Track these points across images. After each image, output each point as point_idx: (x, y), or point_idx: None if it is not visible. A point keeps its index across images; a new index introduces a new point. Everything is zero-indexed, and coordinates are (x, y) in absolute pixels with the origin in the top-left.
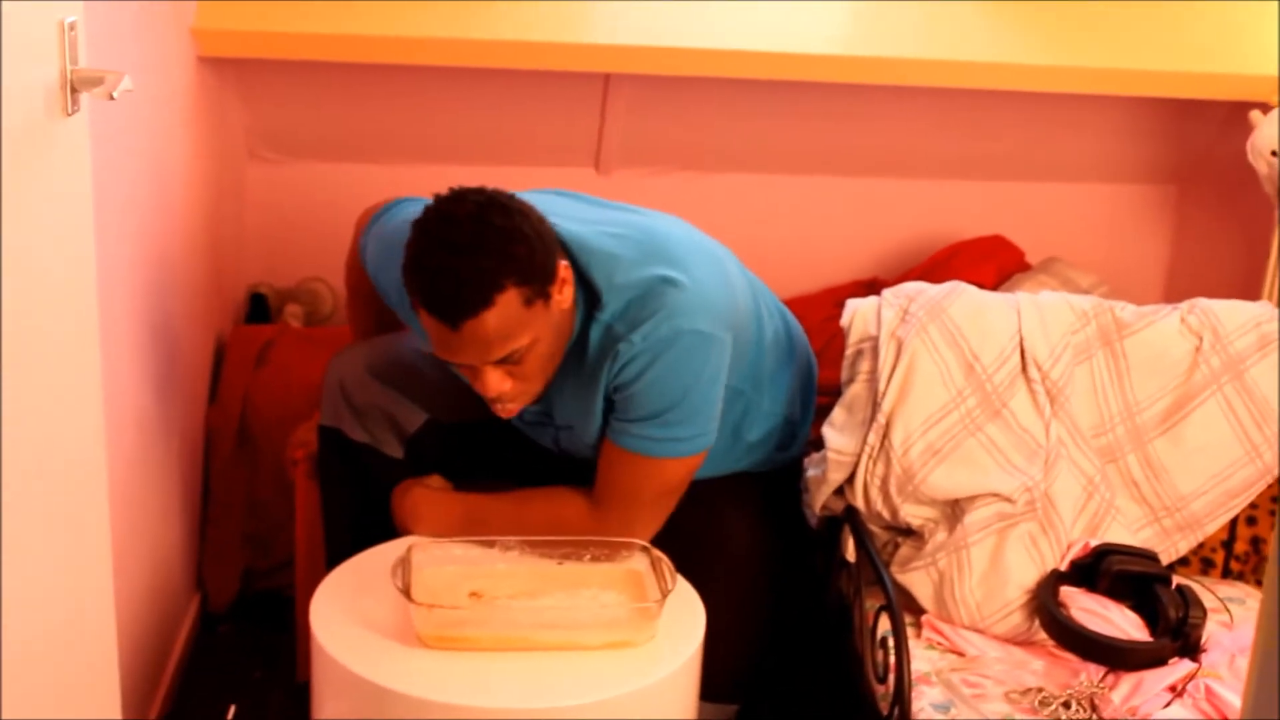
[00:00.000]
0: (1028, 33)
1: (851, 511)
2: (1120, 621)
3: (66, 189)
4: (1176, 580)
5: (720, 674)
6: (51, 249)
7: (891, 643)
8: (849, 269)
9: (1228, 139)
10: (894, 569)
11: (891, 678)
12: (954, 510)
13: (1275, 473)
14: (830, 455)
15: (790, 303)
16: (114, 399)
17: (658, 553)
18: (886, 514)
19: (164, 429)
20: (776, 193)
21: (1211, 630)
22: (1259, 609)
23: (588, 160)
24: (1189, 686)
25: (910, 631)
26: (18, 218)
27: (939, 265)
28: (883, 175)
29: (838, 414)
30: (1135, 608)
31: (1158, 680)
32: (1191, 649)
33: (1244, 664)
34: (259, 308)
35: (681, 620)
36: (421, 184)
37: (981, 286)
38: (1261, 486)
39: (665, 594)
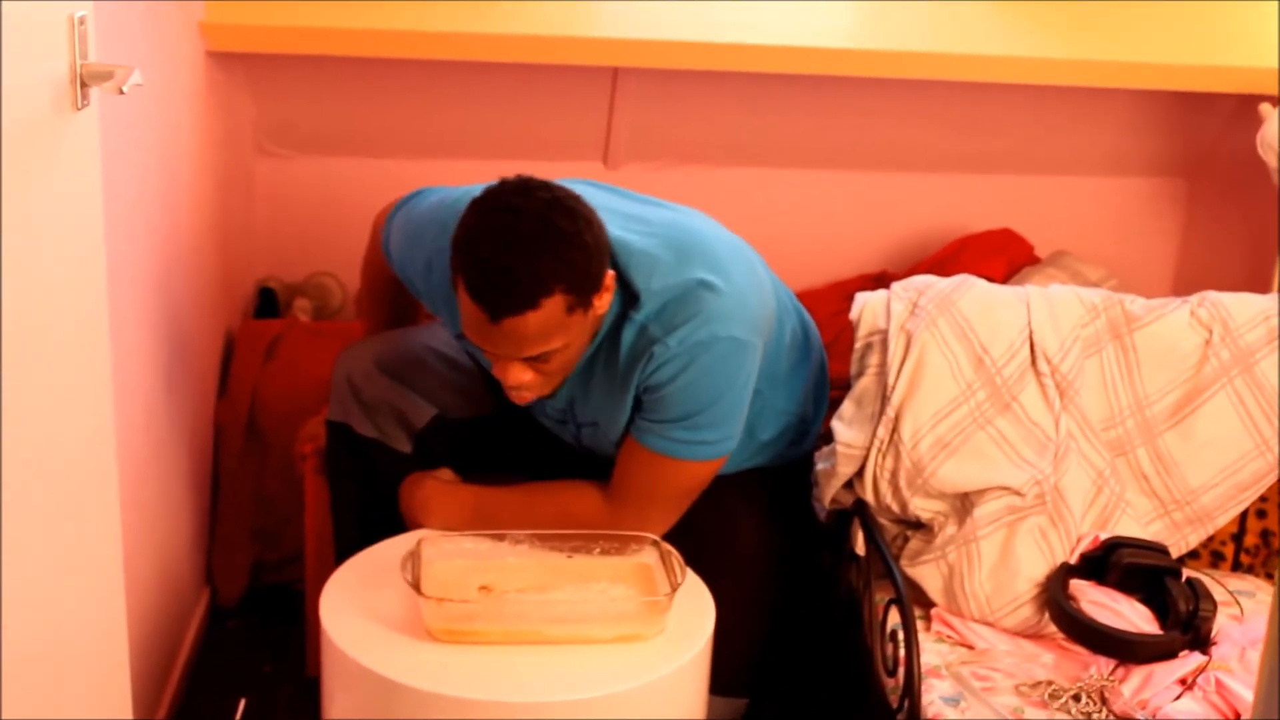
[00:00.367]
0: (1035, 26)
1: (861, 505)
2: (1130, 615)
3: (76, 183)
4: (1186, 573)
5: (729, 669)
6: (61, 243)
7: (901, 636)
8: (857, 263)
9: (1235, 132)
10: (903, 562)
11: (901, 671)
12: (963, 504)
13: None
14: (839, 449)
15: (799, 297)
16: (123, 394)
17: (667, 546)
18: (896, 507)
19: (173, 423)
20: (784, 187)
21: (1222, 623)
22: (1270, 602)
23: (596, 155)
24: (1199, 679)
25: (920, 625)
26: (28, 212)
27: (948, 259)
28: (891, 169)
29: (847, 407)
30: (1145, 601)
31: (1168, 673)
32: (1202, 642)
33: (1254, 657)
34: (268, 302)
35: (691, 614)
36: (430, 179)
37: (990, 280)
38: (1272, 479)
39: (675, 588)
